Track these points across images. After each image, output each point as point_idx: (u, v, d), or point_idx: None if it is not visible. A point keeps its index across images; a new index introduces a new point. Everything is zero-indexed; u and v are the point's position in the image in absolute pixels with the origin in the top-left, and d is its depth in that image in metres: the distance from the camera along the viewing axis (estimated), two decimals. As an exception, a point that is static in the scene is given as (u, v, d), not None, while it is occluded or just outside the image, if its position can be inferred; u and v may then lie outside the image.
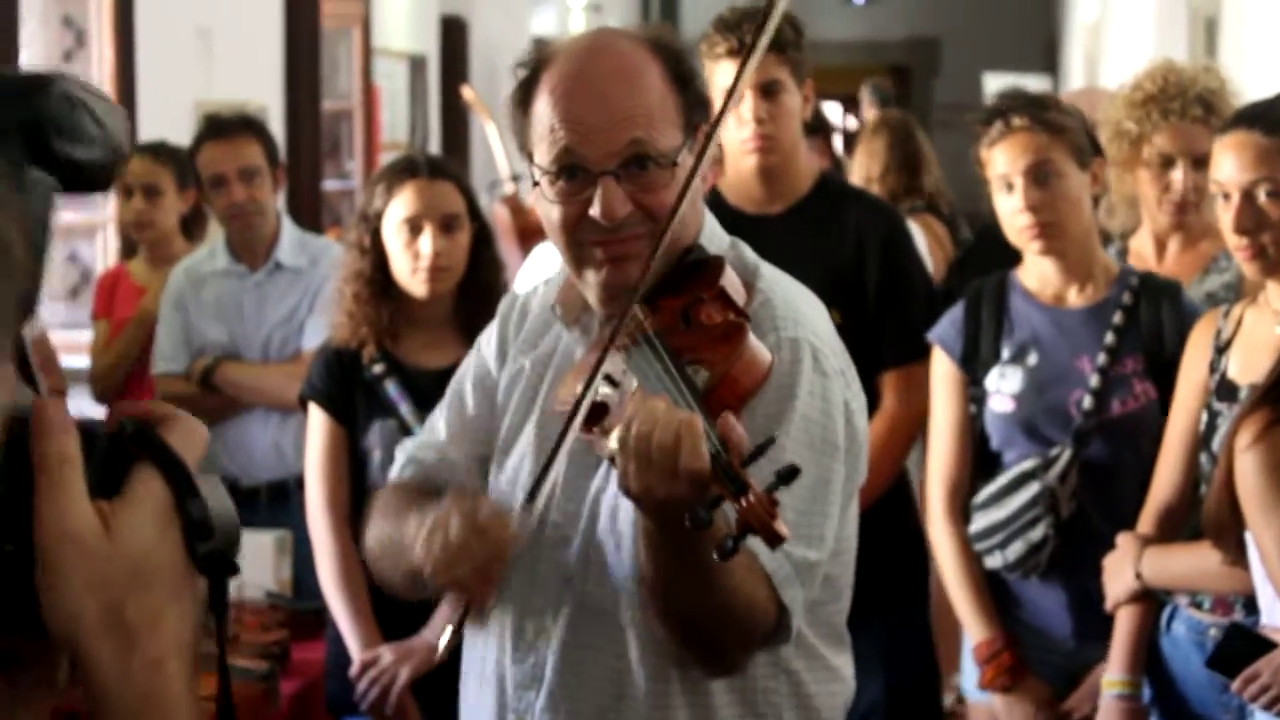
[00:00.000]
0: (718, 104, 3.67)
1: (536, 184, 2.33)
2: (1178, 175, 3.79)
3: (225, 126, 4.95)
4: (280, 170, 5.01)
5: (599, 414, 2.20)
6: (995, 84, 12.50)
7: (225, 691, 1.22)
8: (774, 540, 1.94)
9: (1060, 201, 3.40)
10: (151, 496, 1.18)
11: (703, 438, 1.99)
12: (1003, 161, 3.42)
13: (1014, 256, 3.64)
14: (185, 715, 1.17)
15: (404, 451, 2.62)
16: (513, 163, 8.56)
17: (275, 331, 4.84)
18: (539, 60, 2.34)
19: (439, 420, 2.58)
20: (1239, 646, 3.02)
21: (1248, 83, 5.67)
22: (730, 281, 2.29)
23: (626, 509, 2.28)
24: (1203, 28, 7.62)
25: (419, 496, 2.43)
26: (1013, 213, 3.43)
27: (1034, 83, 13.16)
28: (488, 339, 2.57)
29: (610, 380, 2.21)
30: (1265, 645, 2.95)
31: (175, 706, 1.17)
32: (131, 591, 1.16)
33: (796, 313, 2.32)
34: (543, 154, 2.31)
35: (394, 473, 2.61)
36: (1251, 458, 2.83)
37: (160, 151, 5.24)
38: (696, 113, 2.34)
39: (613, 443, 2.07)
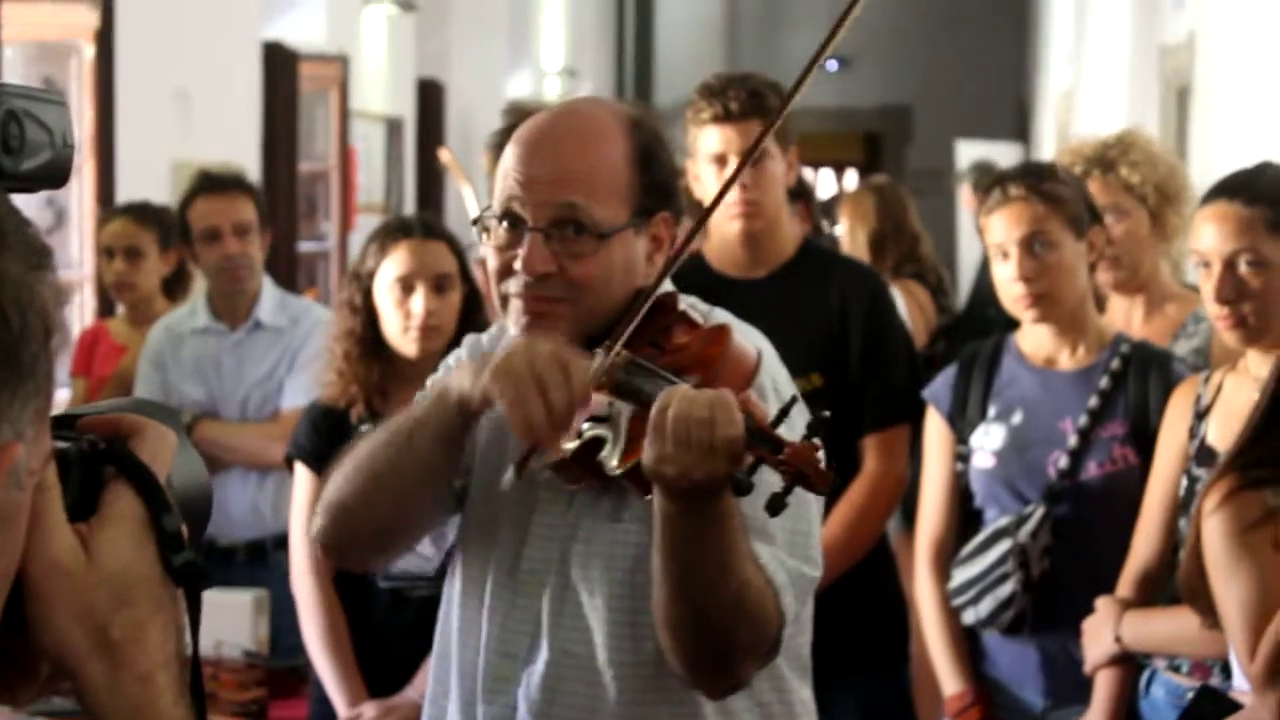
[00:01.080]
0: (702, 168, 3.75)
1: (486, 229, 2.35)
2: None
3: (220, 182, 4.98)
4: (268, 233, 5.04)
5: (592, 450, 2.21)
6: (968, 151, 12.60)
7: (198, 685, 1.24)
8: (824, 481, 1.96)
9: (1054, 272, 3.43)
10: (127, 514, 1.21)
11: (736, 407, 2.01)
12: (999, 230, 3.46)
13: (1001, 328, 3.69)
14: None
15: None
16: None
17: (254, 390, 4.85)
18: (521, 117, 2.39)
19: None
20: (1207, 709, 3.05)
21: (1220, 151, 5.74)
22: (686, 307, 2.33)
23: (598, 557, 2.31)
24: (1175, 97, 7.69)
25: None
26: (1008, 281, 3.47)
27: (1005, 150, 13.27)
28: (455, 359, 2.57)
29: (596, 419, 2.22)
30: (1232, 707, 2.98)
31: (165, 718, 1.19)
32: (116, 611, 1.19)
33: (753, 346, 2.34)
34: (495, 199, 2.35)
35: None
36: (1215, 523, 2.86)
37: (143, 213, 5.26)
38: (654, 198, 2.34)
39: (614, 461, 2.11)
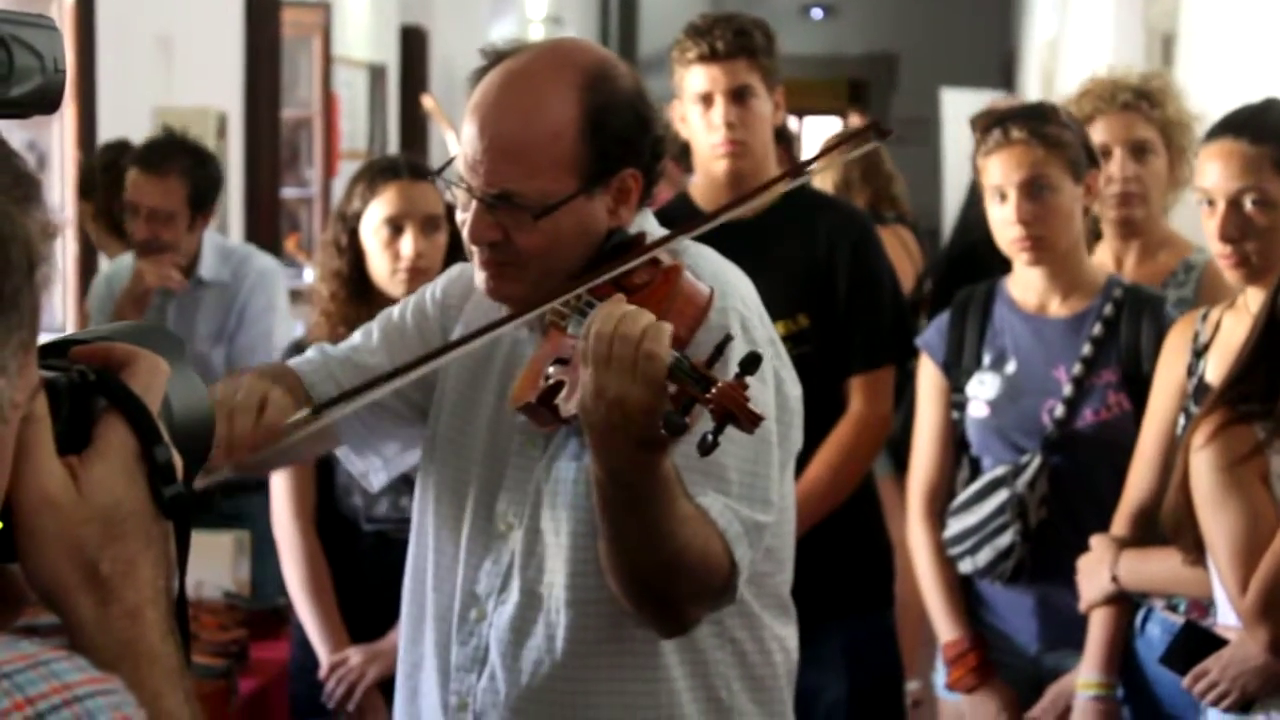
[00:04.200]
0: (689, 108, 3.74)
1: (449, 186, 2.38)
2: (1115, 166, 3.80)
3: (158, 158, 4.85)
4: (208, 214, 4.90)
5: (554, 393, 2.22)
6: (953, 99, 12.56)
7: (183, 620, 1.23)
8: (753, 421, 1.95)
9: (1052, 216, 3.41)
10: (118, 447, 1.20)
11: (666, 332, 2.01)
12: (998, 172, 3.43)
13: (990, 271, 3.68)
14: (163, 662, 1.19)
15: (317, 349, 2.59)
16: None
17: (206, 349, 4.85)
18: (483, 70, 2.37)
19: (360, 332, 2.58)
20: (1192, 644, 3.07)
21: (1204, 99, 5.73)
22: (665, 250, 2.32)
23: (563, 496, 2.33)
24: (1159, 44, 7.68)
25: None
26: (1004, 223, 3.45)
27: (990, 98, 13.23)
28: (433, 290, 2.58)
29: (560, 361, 2.23)
30: (1217, 643, 2.99)
31: (154, 653, 1.19)
32: (106, 545, 1.18)
33: (724, 283, 2.34)
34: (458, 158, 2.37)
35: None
36: (1204, 457, 2.86)
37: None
38: (611, 159, 2.32)
39: (575, 400, 2.10)
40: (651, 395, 2.00)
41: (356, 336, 2.57)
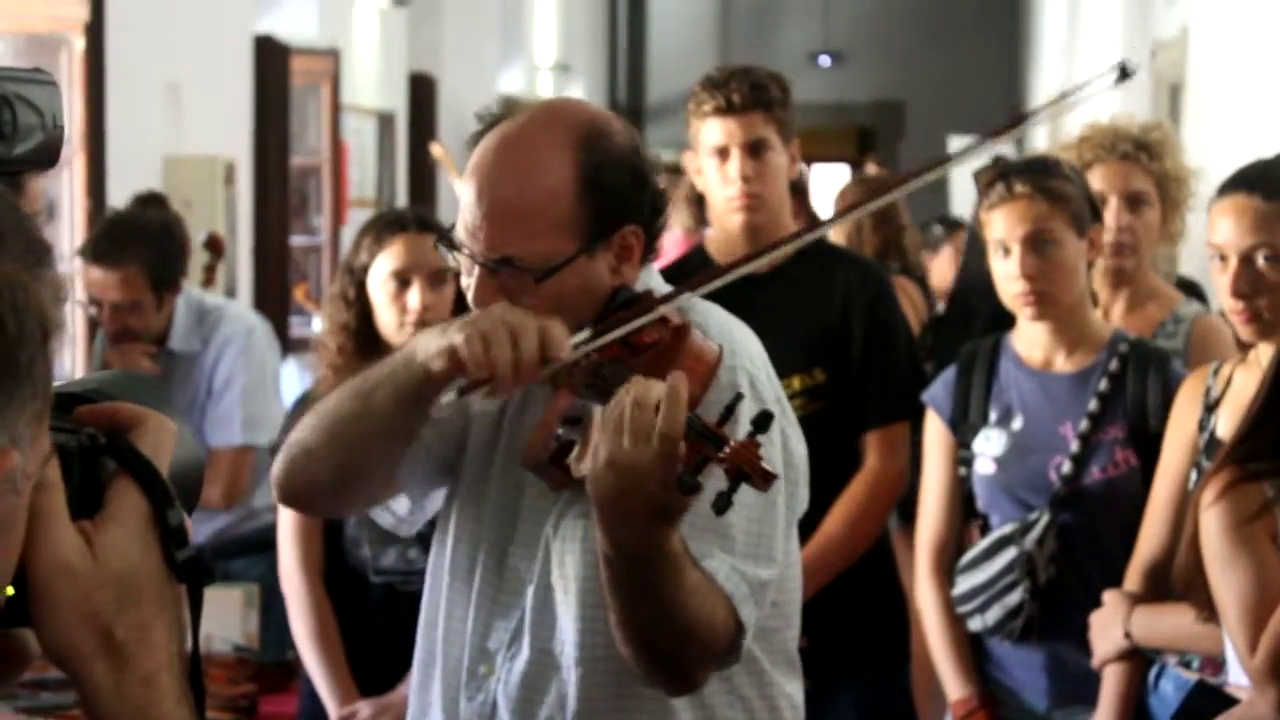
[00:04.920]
0: (704, 161, 3.74)
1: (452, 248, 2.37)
2: (1110, 215, 3.76)
3: (110, 250, 4.60)
4: (174, 289, 4.67)
5: (565, 453, 2.22)
6: (960, 147, 12.58)
7: (197, 683, 1.23)
8: (766, 480, 1.94)
9: (1056, 271, 3.40)
10: (131, 511, 1.20)
11: (683, 397, 1.99)
12: (1001, 227, 3.42)
13: (987, 324, 3.67)
14: None
15: None
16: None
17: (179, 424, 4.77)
18: (480, 133, 2.38)
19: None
20: (1201, 703, 3.05)
21: (1212, 149, 5.74)
22: (673, 309, 2.31)
23: (571, 554, 2.32)
24: (1167, 94, 7.69)
25: None
26: (1008, 278, 3.43)
27: (998, 148, 13.26)
28: None
29: (571, 421, 2.23)
30: (1226, 702, 2.97)
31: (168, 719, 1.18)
32: (121, 611, 1.18)
33: (732, 340, 2.33)
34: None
35: None
36: (1213, 515, 2.85)
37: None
38: (611, 217, 2.31)
39: (587, 463, 2.09)
40: (666, 458, 1.99)
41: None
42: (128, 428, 1.22)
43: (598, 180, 2.30)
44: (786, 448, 2.35)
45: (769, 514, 2.29)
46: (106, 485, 1.20)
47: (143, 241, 4.65)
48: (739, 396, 2.03)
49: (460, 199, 2.36)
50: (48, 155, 1.25)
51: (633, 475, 2.01)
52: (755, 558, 2.26)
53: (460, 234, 2.33)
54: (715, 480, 1.99)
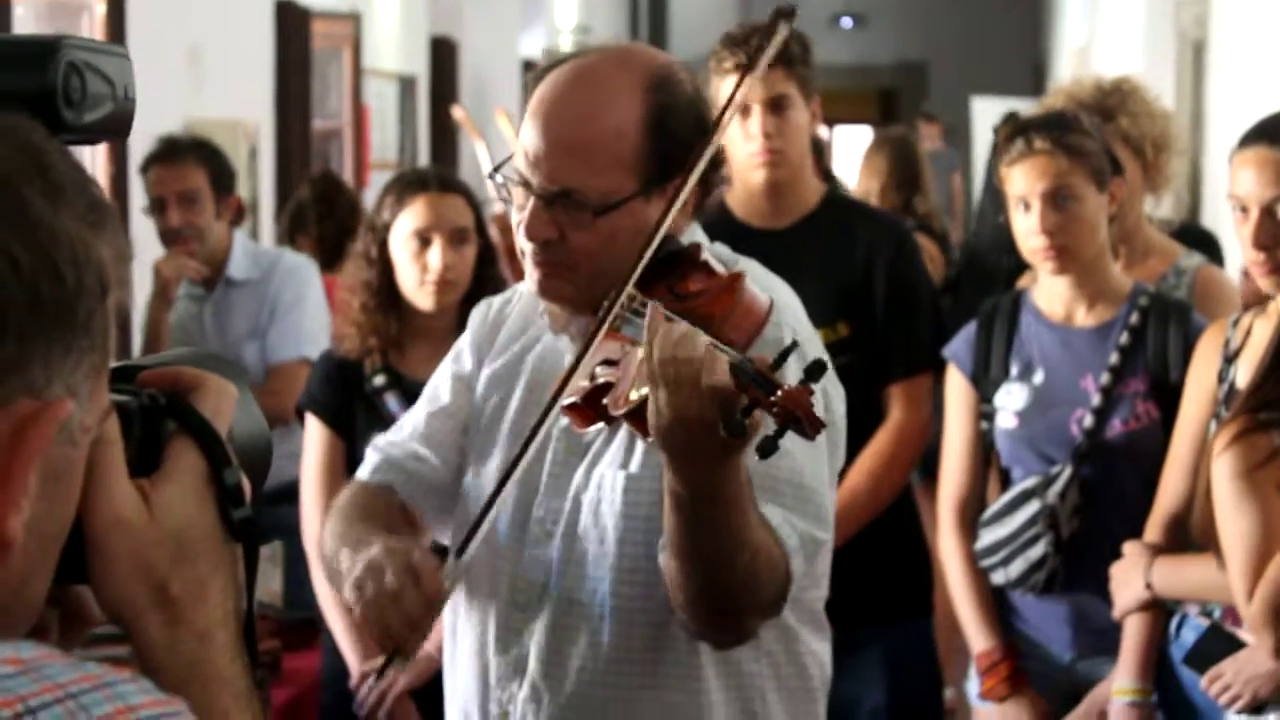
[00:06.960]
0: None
1: (505, 184, 2.37)
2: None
3: (172, 150, 4.99)
4: (231, 199, 5.03)
5: (601, 393, 2.21)
6: (983, 107, 12.55)
7: (251, 642, 1.24)
8: (816, 426, 1.93)
9: (1076, 225, 3.40)
10: (189, 469, 1.21)
11: (719, 357, 1.98)
12: (1021, 182, 3.41)
13: (1001, 280, 3.66)
14: (232, 684, 1.20)
15: (376, 450, 2.60)
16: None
17: (241, 348, 4.93)
18: (549, 66, 2.38)
19: (416, 416, 2.58)
20: (1213, 646, 3.07)
21: (1235, 104, 5.72)
22: (710, 258, 2.31)
23: (608, 504, 2.32)
24: (1190, 50, 7.66)
25: (371, 518, 2.44)
26: (1028, 233, 3.43)
27: (1021, 106, 13.23)
28: (464, 343, 2.59)
29: (609, 362, 2.22)
30: (1237, 645, 2.99)
31: (222, 675, 1.20)
32: (176, 567, 1.19)
33: (777, 298, 2.32)
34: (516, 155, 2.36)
35: (364, 471, 2.59)
36: (1223, 463, 2.86)
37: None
38: (671, 163, 2.31)
39: (634, 393, 2.09)
40: (718, 409, 1.98)
41: (418, 448, 2.55)
42: (188, 390, 1.23)
43: (664, 124, 2.30)
44: (829, 407, 2.33)
45: (815, 469, 2.29)
46: (165, 445, 1.21)
47: (202, 149, 5.04)
48: (794, 343, 2.02)
49: (520, 131, 2.34)
50: (117, 125, 1.27)
51: (684, 427, 2.00)
52: (804, 515, 2.25)
53: (518, 165, 2.33)
54: (764, 426, 1.97)
